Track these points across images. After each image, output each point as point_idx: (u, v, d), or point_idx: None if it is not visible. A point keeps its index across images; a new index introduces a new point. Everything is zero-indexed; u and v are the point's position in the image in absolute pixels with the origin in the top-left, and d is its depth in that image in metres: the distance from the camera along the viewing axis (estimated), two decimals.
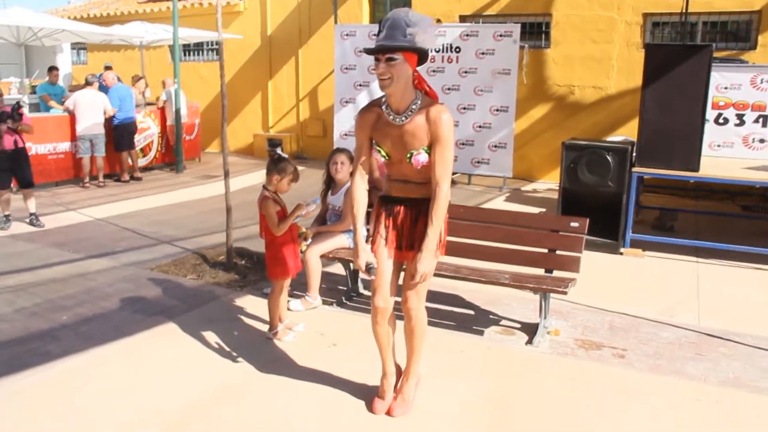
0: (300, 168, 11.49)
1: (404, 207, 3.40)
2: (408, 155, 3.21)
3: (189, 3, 14.96)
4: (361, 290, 5.48)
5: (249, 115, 14.31)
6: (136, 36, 13.03)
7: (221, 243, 6.53)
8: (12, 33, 11.24)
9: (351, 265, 5.31)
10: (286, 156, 4.54)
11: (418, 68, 3.18)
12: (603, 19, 10.34)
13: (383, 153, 3.30)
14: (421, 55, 3.14)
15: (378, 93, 10.27)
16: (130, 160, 11.24)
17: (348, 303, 5.25)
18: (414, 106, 3.18)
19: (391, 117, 3.22)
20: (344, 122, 11.29)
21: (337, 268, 5.78)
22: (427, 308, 5.01)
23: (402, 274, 3.53)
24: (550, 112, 10.93)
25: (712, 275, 6.23)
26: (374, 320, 3.51)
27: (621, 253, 6.82)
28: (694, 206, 9.09)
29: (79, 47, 17.57)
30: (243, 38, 13.84)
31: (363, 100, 11.01)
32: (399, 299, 3.49)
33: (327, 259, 5.18)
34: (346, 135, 11.23)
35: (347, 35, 11.30)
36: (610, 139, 8.72)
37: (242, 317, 4.96)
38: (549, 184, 10.90)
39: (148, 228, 7.83)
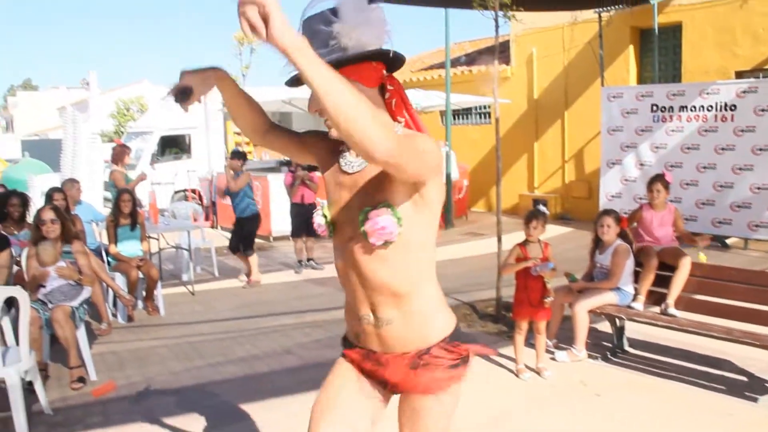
0: (565, 229, 11.82)
1: (363, 360, 2.22)
2: (361, 216, 1.97)
3: (459, 71, 16.07)
4: (627, 347, 5.61)
5: (515, 175, 14.87)
6: (412, 102, 14.24)
7: (489, 298, 7.04)
8: (305, 102, 13.04)
9: (617, 321, 5.51)
10: (538, 207, 5.08)
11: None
12: None
13: (325, 213, 2.12)
14: (387, 61, 1.99)
15: (647, 156, 10.14)
16: None
17: (613, 359, 5.41)
18: None
19: (344, 162, 2.08)
20: (610, 184, 11.34)
21: (603, 325, 5.96)
22: (695, 370, 5.08)
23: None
24: None
25: None
26: None
27: None
28: None
29: None
30: (511, 102, 14.52)
31: (629, 162, 11.02)
32: None
33: (594, 314, 5.42)
34: (612, 197, 11.26)
35: (614, 97, 11.42)
36: None
37: (509, 362, 5.34)
38: None
39: None
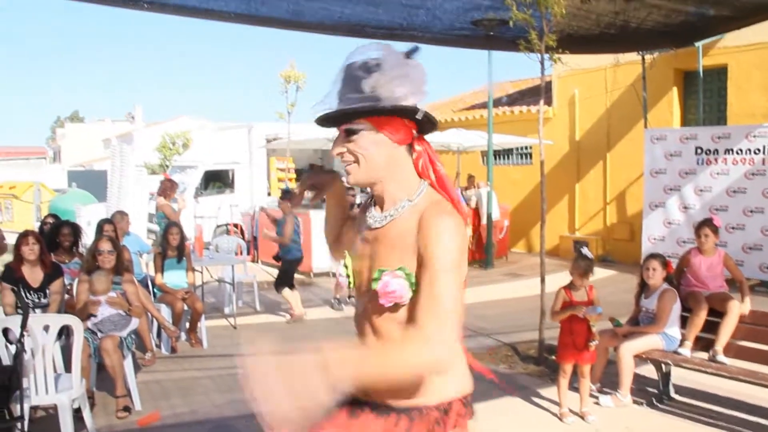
0: (607, 272, 11.68)
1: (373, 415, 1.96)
2: (375, 274, 1.88)
3: (501, 111, 16.12)
4: (673, 394, 5.50)
5: (556, 216, 14.77)
6: (454, 142, 14.36)
7: (531, 339, 6.98)
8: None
9: (663, 366, 5.41)
10: (586, 254, 5.03)
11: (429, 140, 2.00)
12: None
13: (347, 264, 1.77)
14: (420, 121, 1.91)
15: (691, 199, 9.97)
16: None
17: (658, 405, 5.31)
18: (406, 203, 1.93)
19: (369, 215, 2.00)
20: (653, 227, 11.21)
21: (648, 370, 5.86)
22: (745, 420, 4.96)
23: None
24: None
25: None
26: None
27: None
28: None
29: None
30: (552, 143, 14.49)
31: (673, 205, 10.90)
32: None
33: (639, 359, 5.35)
34: (655, 240, 11.12)
35: (657, 139, 11.35)
36: None
37: (552, 405, 5.29)
38: None
39: (467, 320, 8.55)
